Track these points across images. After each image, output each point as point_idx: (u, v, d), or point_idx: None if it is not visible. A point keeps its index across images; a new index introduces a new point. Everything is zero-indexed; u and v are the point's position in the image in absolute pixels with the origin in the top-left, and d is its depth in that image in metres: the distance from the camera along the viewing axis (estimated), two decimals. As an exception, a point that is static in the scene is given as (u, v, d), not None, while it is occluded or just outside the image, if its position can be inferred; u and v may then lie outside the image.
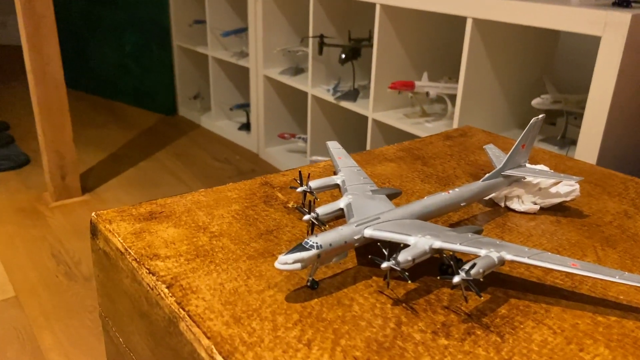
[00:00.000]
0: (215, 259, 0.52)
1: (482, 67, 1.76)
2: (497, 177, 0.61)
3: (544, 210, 0.63)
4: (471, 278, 0.44)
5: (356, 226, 0.49)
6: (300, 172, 0.59)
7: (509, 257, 0.46)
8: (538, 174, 0.62)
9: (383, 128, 2.08)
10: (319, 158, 2.33)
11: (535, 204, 0.63)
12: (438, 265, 0.51)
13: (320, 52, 2.23)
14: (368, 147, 2.09)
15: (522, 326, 0.45)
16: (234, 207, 0.62)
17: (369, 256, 0.48)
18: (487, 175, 0.60)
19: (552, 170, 0.65)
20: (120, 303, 0.56)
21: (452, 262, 0.45)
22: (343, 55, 2.19)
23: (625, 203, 0.66)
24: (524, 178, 0.62)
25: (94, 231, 0.58)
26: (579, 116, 1.96)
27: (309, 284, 0.48)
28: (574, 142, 1.89)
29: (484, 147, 0.70)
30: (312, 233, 0.55)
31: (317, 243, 0.46)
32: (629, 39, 1.40)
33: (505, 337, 0.43)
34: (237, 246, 0.54)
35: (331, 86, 2.28)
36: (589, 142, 1.51)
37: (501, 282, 0.50)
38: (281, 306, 0.46)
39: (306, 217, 0.52)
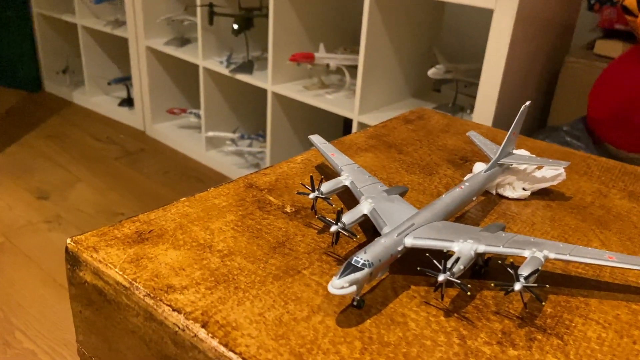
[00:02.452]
0: (240, 284, 0.46)
1: (380, 39, 1.77)
2: (494, 166, 0.61)
3: (530, 194, 0.65)
4: (535, 285, 0.43)
5: (397, 236, 0.46)
6: (312, 177, 0.54)
7: (552, 255, 0.46)
8: (529, 161, 0.63)
9: (283, 101, 2.04)
10: (217, 134, 2.24)
11: (525, 189, 0.64)
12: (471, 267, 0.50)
13: (211, 21, 2.11)
14: (269, 120, 2.03)
15: (573, 324, 0.45)
16: (230, 218, 0.56)
17: (418, 268, 0.45)
18: (487, 166, 0.60)
19: (534, 155, 0.66)
20: (120, 343, 0.48)
21: (511, 270, 0.44)
22: (236, 26, 2.09)
23: (594, 181, 0.70)
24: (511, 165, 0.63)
25: (74, 262, 0.49)
26: (469, 84, 2.06)
27: (355, 303, 0.45)
28: (462, 109, 1.99)
29: (467, 134, 0.69)
30: (336, 244, 0.51)
31: (368, 261, 0.43)
32: (519, 11, 1.48)
33: (565, 339, 0.43)
34: (255, 265, 0.49)
35: (224, 58, 2.18)
36: (485, 107, 1.59)
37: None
38: (337, 334, 0.42)
39: (333, 228, 0.48)
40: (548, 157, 0.74)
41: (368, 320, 0.44)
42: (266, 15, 1.97)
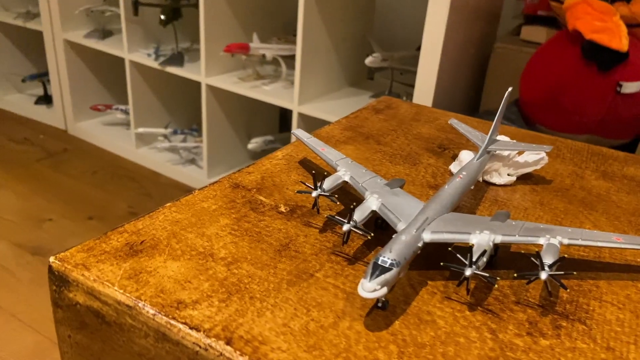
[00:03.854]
0: (255, 293, 0.43)
1: (316, 28, 1.75)
2: (484, 154, 0.60)
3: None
4: (562, 273, 0.43)
5: (415, 231, 0.44)
6: (313, 173, 0.51)
7: (566, 241, 0.47)
8: (514, 146, 0.63)
9: (218, 93, 1.98)
10: (147, 130, 2.14)
11: (509, 175, 0.65)
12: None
13: (136, 12, 2.00)
14: (204, 114, 1.96)
15: (591, 308, 0.45)
16: (224, 222, 0.52)
17: (441, 263, 0.44)
18: (478, 154, 0.60)
19: (514, 140, 0.67)
20: (123, 368, 0.43)
21: (536, 259, 0.43)
22: (163, 17, 2.00)
23: (567, 163, 0.71)
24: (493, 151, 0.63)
25: (62, 283, 0.44)
26: (404, 72, 2.09)
27: (380, 304, 0.43)
28: (398, 96, 2.02)
29: (449, 122, 0.69)
30: (347, 242, 0.49)
31: (395, 260, 0.41)
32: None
33: (588, 324, 0.44)
34: (264, 271, 0.46)
35: (151, 50, 2.08)
36: (424, 93, 1.61)
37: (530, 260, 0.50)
38: (370, 339, 0.40)
39: (345, 227, 0.46)
40: (518, 141, 0.75)
41: (396, 322, 0.42)
42: (194, 5, 1.90)
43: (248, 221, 0.52)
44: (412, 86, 1.98)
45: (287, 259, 0.47)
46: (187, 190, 2.11)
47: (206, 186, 0.58)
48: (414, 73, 1.91)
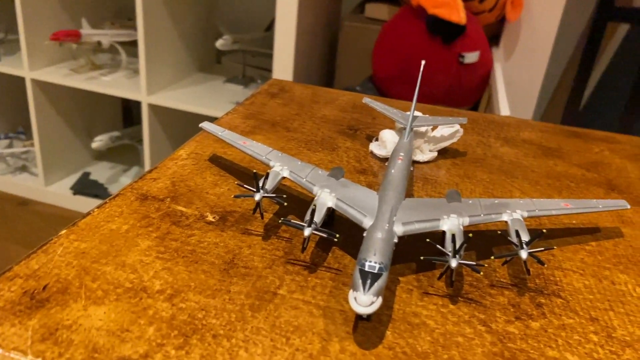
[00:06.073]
0: (217, 329, 0.35)
1: (157, 11, 1.62)
2: (410, 132, 0.57)
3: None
4: (542, 249, 0.41)
5: (387, 226, 0.39)
6: (255, 173, 0.43)
7: (526, 214, 0.45)
8: (433, 121, 0.61)
9: (47, 89, 1.75)
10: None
11: (430, 151, 0.62)
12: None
13: None
14: (33, 114, 1.72)
15: (557, 279, 0.44)
16: (145, 244, 0.42)
17: (421, 257, 0.39)
18: (406, 132, 0.56)
19: (427, 115, 0.64)
20: None
21: (513, 239, 0.41)
22: (-35, 2, 1.70)
23: (471, 133, 0.71)
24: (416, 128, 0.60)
25: (-57, 363, 0.31)
26: (256, 54, 2.02)
27: (365, 316, 0.37)
28: (252, 79, 1.95)
29: (363, 100, 0.64)
30: (306, 249, 0.42)
31: (382, 263, 0.35)
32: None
33: (564, 296, 0.42)
34: (218, 299, 0.37)
35: (-46, 44, 1.76)
36: (283, 70, 1.58)
37: (488, 239, 0.48)
38: (368, 359, 0.34)
39: (307, 231, 0.39)
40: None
41: (387, 332, 0.36)
42: (6, -11, 1.64)
43: (174, 239, 0.43)
44: (265, 69, 1.92)
45: (239, 279, 0.40)
46: (22, 202, 1.84)
47: (105, 202, 0.47)
48: (265, 55, 1.84)
